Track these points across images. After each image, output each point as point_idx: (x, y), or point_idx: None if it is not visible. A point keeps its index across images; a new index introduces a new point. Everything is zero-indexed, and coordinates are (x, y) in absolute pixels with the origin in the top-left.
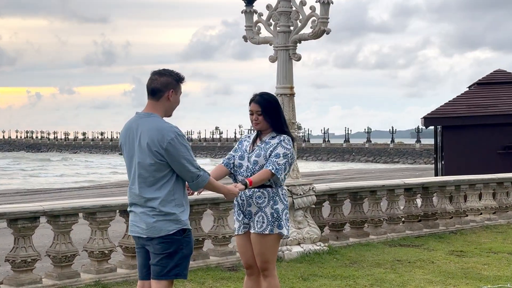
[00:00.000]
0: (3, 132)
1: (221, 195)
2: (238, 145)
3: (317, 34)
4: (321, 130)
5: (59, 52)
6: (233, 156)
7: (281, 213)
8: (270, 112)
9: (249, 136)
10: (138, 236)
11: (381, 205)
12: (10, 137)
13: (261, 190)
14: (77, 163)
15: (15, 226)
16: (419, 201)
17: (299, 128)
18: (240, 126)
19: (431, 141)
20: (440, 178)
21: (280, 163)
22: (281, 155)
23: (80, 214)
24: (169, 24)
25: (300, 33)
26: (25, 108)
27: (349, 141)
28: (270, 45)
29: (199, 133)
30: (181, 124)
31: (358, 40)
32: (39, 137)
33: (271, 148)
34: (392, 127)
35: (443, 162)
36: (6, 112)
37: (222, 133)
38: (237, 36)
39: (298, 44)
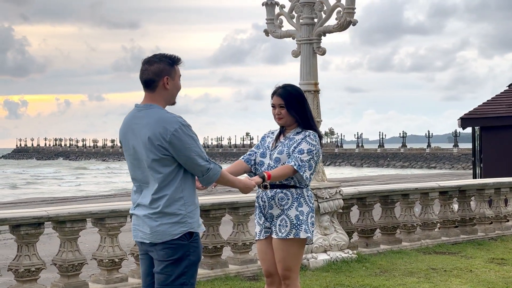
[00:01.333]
0: (32, 140)
1: (240, 199)
2: (260, 142)
3: (342, 26)
4: (355, 135)
5: (88, 58)
6: (255, 152)
7: (306, 216)
8: (294, 106)
9: (272, 132)
10: (142, 242)
11: (414, 209)
12: (39, 144)
13: (284, 190)
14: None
15: (18, 233)
16: (455, 206)
17: (332, 133)
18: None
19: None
20: (478, 181)
21: (304, 159)
22: (305, 151)
23: (89, 220)
24: (199, 28)
25: (324, 25)
26: (54, 115)
27: (383, 146)
28: (293, 39)
29: (229, 139)
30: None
31: (393, 42)
32: (68, 145)
33: (294, 144)
34: (428, 131)
35: (481, 165)
36: (35, 120)
37: (252, 139)
38: (268, 40)
39: (322, 37)
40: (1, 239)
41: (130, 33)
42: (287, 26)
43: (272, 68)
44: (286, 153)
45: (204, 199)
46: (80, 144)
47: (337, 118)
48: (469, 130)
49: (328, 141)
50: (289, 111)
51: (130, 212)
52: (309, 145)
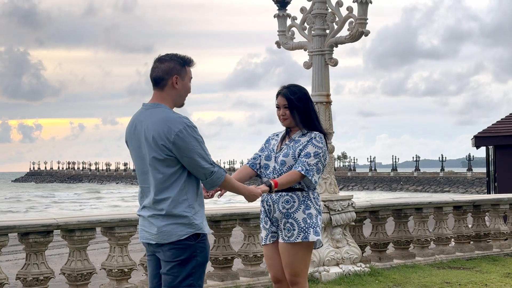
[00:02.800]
0: (45, 163)
1: (251, 209)
2: (264, 144)
3: (354, 37)
4: (368, 159)
5: (102, 82)
6: (259, 155)
7: (315, 219)
8: (299, 106)
9: (277, 134)
10: (148, 243)
11: (428, 224)
12: (52, 168)
13: (290, 193)
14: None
15: (27, 241)
16: (470, 221)
17: (345, 157)
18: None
19: (483, 169)
20: (493, 196)
21: (311, 163)
22: (312, 154)
23: (98, 229)
24: (212, 52)
25: (336, 36)
26: (68, 139)
27: (396, 170)
28: (305, 50)
29: (242, 162)
30: (225, 153)
31: (407, 66)
32: (81, 168)
33: (300, 147)
34: (442, 155)
35: (496, 184)
36: (49, 143)
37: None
38: (282, 63)
39: (334, 48)
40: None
41: (144, 57)
42: (298, 38)
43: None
44: (292, 156)
45: (215, 209)
46: (93, 167)
47: (350, 142)
48: (483, 153)
49: (341, 165)
50: (293, 112)
51: (137, 213)
52: (315, 147)
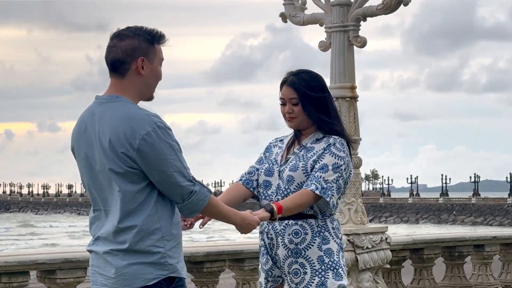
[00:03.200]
0: None
1: (246, 247)
2: (264, 154)
3: (390, 6)
4: (407, 179)
5: (39, 73)
6: (256, 169)
7: (336, 257)
8: (312, 100)
9: (281, 140)
10: None
11: (491, 267)
12: None
13: (300, 222)
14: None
15: None
16: None
17: (376, 176)
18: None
19: None
20: None
21: (329, 179)
22: (330, 167)
23: (33, 274)
24: (193, 31)
25: (365, 5)
26: None
27: (447, 195)
28: (321, 25)
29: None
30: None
31: (462, 51)
32: (8, 192)
33: (314, 157)
34: (510, 174)
35: None
36: None
37: None
38: (288, 46)
39: (362, 23)
40: None
41: (97, 38)
42: (312, 8)
43: None
44: (303, 169)
45: (196, 245)
46: (25, 191)
47: (383, 155)
48: None
49: (370, 187)
50: (304, 108)
51: (87, 248)
52: (335, 157)
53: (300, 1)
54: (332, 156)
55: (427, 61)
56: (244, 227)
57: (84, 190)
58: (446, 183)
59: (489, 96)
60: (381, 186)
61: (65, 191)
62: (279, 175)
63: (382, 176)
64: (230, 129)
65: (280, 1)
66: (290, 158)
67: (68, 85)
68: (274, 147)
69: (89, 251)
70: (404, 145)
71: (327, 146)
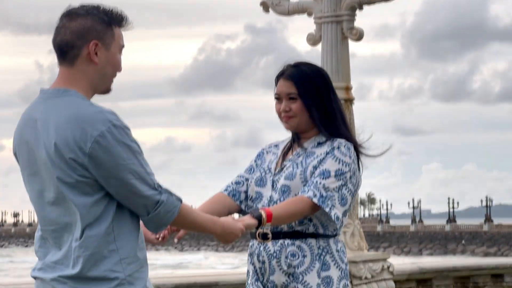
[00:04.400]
0: None
1: (227, 276)
2: (255, 161)
3: None
4: (409, 203)
5: None
6: (245, 179)
7: (336, 285)
8: (314, 97)
9: (276, 145)
10: None
11: None
12: None
13: (298, 242)
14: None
15: None
16: None
17: (372, 201)
18: None
19: None
20: None
21: (330, 187)
22: (333, 173)
23: None
24: (160, 33)
25: None
26: None
27: (455, 222)
28: (309, 15)
29: None
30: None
31: (472, 54)
32: None
33: (315, 162)
34: None
35: None
36: None
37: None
38: (271, 49)
39: (357, 12)
40: None
41: (48, 42)
42: None
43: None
44: (301, 177)
45: (163, 275)
46: None
47: (381, 176)
48: None
49: (366, 214)
50: (305, 105)
51: (32, 274)
52: (339, 162)
53: None
54: (335, 160)
55: (431, 66)
56: (225, 236)
57: (32, 220)
58: (453, 207)
59: (504, 107)
60: (379, 212)
61: (10, 220)
62: (272, 185)
63: (380, 200)
64: (202, 146)
65: None
66: (286, 164)
67: (14, 96)
68: (267, 154)
69: (34, 277)
70: (405, 164)
71: (330, 150)
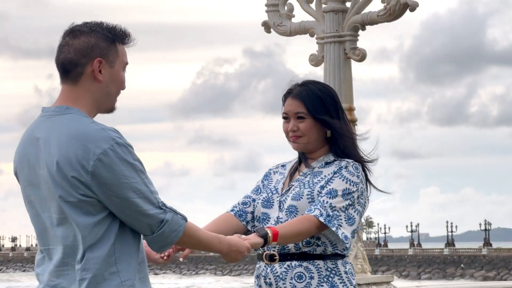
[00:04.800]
0: None
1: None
2: (262, 181)
3: (394, 12)
4: (407, 227)
5: None
6: (252, 200)
7: None
8: (324, 115)
9: (283, 165)
10: None
11: None
12: None
13: (305, 263)
14: None
15: None
16: None
17: (370, 224)
18: None
19: None
20: None
21: (337, 206)
22: (340, 192)
23: None
24: (158, 57)
25: (363, 11)
26: None
27: (454, 245)
28: (311, 36)
29: None
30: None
31: (469, 78)
32: None
33: (322, 182)
34: None
35: None
36: None
37: None
38: (270, 73)
39: (360, 32)
40: None
41: (47, 66)
42: (300, 16)
43: (276, 120)
44: (308, 197)
45: None
46: None
47: (378, 200)
48: None
49: (365, 237)
50: (314, 125)
51: None
52: (346, 182)
53: (286, 8)
54: (342, 180)
55: (429, 90)
56: (231, 255)
57: (30, 244)
58: (452, 231)
59: (502, 131)
60: (377, 236)
61: (8, 244)
62: (279, 206)
63: (378, 224)
64: (201, 171)
65: (258, 21)
66: (293, 185)
67: (13, 121)
68: (274, 174)
69: None
70: (403, 188)
71: (337, 170)
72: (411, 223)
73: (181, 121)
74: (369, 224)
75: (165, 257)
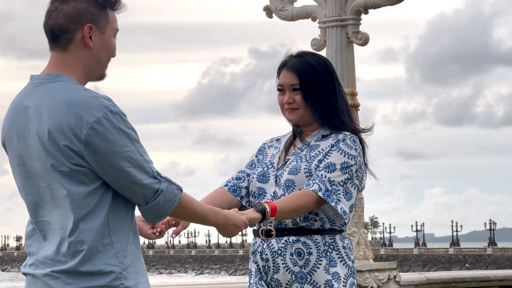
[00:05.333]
0: None
1: (232, 284)
2: (256, 155)
3: None
4: (412, 227)
5: None
6: (247, 174)
7: (344, 283)
8: (319, 88)
9: (277, 139)
10: None
11: None
12: None
13: (303, 238)
14: None
15: None
16: None
17: (375, 224)
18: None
19: None
20: None
21: (335, 181)
22: (338, 166)
23: None
24: (163, 57)
25: None
26: None
27: (459, 245)
28: (314, 20)
29: (208, 235)
30: None
31: (475, 78)
32: None
33: (320, 156)
34: None
35: None
36: None
37: (246, 234)
38: (275, 74)
39: (363, 16)
40: None
41: None
42: (302, 0)
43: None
44: (306, 171)
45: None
46: None
47: (383, 200)
48: None
49: (370, 237)
50: (307, 97)
51: (22, 270)
52: (344, 155)
53: None
54: (340, 153)
55: (435, 90)
56: (227, 229)
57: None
58: (457, 231)
59: (507, 131)
60: (382, 236)
61: (12, 244)
62: (275, 180)
63: (383, 224)
64: (206, 170)
65: (263, 21)
66: (289, 159)
67: None
68: (269, 148)
69: (25, 273)
70: (408, 188)
71: (335, 143)
72: (416, 223)
73: (187, 121)
74: (375, 224)
75: (157, 233)
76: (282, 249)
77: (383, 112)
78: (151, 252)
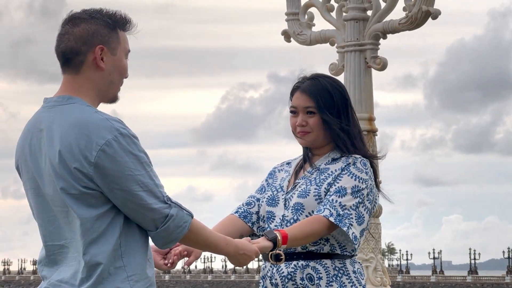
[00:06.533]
0: None
1: None
2: (266, 180)
3: (415, 20)
4: (429, 254)
5: (5, 132)
6: (257, 200)
7: None
8: (332, 110)
9: (288, 163)
10: None
11: None
12: None
13: (313, 263)
14: None
15: None
16: None
17: (392, 251)
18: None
19: None
20: None
21: (347, 205)
22: (349, 190)
23: None
24: (182, 83)
25: (385, 20)
26: None
27: (477, 273)
28: (332, 44)
29: (225, 261)
30: None
31: (495, 105)
32: None
33: (329, 179)
34: None
35: None
36: None
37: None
38: None
39: (381, 41)
40: None
41: None
42: (321, 25)
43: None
44: (315, 195)
45: None
46: None
47: (401, 227)
48: None
49: (386, 264)
50: (322, 120)
51: None
52: (355, 179)
53: (306, 16)
54: (351, 177)
55: (454, 117)
56: (238, 259)
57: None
58: (475, 259)
59: None
60: (399, 263)
61: (29, 267)
62: (285, 203)
63: (400, 251)
64: (224, 196)
65: (282, 46)
66: (299, 182)
67: None
68: (279, 172)
69: None
70: (426, 215)
71: (345, 166)
72: (434, 250)
73: (205, 146)
74: (391, 251)
75: (168, 264)
76: (292, 273)
77: (401, 138)
78: (167, 277)
